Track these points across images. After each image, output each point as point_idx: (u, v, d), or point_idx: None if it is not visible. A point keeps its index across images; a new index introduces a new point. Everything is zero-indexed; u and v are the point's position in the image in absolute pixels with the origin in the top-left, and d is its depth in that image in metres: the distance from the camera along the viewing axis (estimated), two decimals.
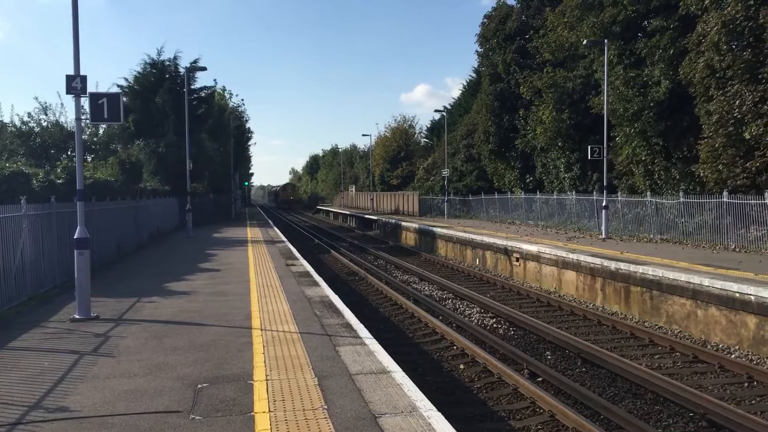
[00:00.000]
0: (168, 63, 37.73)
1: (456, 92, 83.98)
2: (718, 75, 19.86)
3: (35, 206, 12.94)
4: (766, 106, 18.19)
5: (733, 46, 19.23)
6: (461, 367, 10.93)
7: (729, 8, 19.15)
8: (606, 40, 24.05)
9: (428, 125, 74.49)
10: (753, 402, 9.14)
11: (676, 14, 22.63)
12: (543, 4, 36.49)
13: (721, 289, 12.44)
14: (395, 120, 77.78)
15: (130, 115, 34.21)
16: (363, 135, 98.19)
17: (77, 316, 10.51)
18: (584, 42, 25.02)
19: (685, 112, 22.75)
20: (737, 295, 12.02)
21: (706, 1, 20.25)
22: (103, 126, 30.68)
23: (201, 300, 12.34)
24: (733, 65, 19.21)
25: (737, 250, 18.52)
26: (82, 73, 10.47)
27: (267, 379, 7.03)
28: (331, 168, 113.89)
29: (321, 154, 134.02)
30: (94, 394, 6.64)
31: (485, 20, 40.87)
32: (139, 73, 37.14)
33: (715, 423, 8.15)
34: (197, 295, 12.89)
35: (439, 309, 15.83)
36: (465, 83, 61.46)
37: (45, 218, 13.33)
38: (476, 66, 53.18)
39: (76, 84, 10.36)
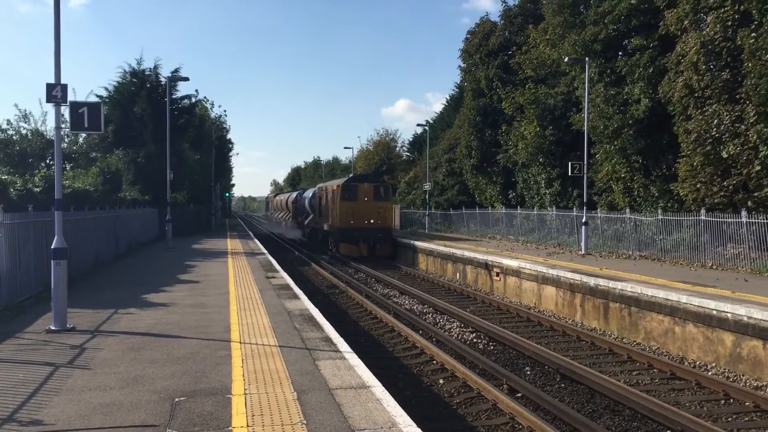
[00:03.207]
0: (149, 72, 37.53)
1: (437, 107, 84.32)
2: (696, 94, 20.15)
3: (12, 215, 12.77)
4: (743, 126, 18.48)
5: (712, 67, 19.54)
6: (441, 381, 10.91)
7: (708, 29, 19.48)
8: (587, 58, 24.34)
9: (410, 139, 74.79)
10: (729, 419, 9.21)
11: (655, 34, 22.97)
12: (526, 21, 36.88)
13: (698, 306, 12.56)
14: (377, 133, 78.07)
15: (110, 125, 33.95)
16: (345, 148, 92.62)
17: (53, 327, 10.36)
18: (566, 59, 25.30)
19: (664, 131, 23.04)
20: (714, 312, 12.13)
21: (686, 22, 20.58)
22: (83, 135, 30.45)
23: (179, 312, 12.22)
24: (711, 85, 19.51)
25: (714, 267, 18.72)
26: (62, 81, 10.38)
27: (245, 393, 6.96)
28: (313, 180, 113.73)
29: (303, 166, 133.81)
30: (69, 407, 6.53)
31: (469, 36, 41.24)
32: (118, 82, 36.91)
33: None
34: (176, 307, 12.76)
35: (419, 323, 15.81)
36: (448, 98, 61.96)
37: (22, 227, 13.15)
38: (459, 81, 53.63)
39: (56, 93, 10.26)
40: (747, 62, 17.93)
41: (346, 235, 33.07)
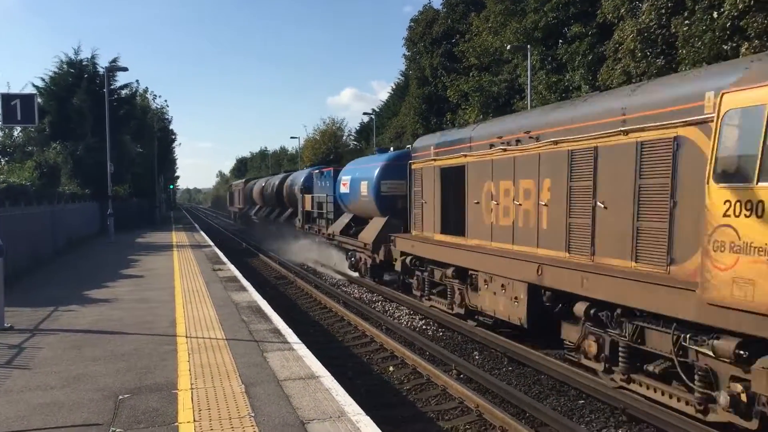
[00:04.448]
0: (86, 63, 36.48)
1: (382, 95, 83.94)
2: (634, 81, 20.66)
3: None
4: None
5: (648, 53, 20.06)
6: (391, 369, 10.96)
7: (643, 17, 19.98)
8: (529, 46, 24.68)
9: (357, 128, 74.69)
10: None
11: (594, 22, 23.45)
12: (468, 8, 37.18)
13: None
14: (324, 122, 77.55)
15: (46, 117, 32.86)
16: (291, 137, 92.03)
17: None
18: (508, 47, 25.61)
19: None
20: None
21: (622, 10, 21.07)
22: (18, 128, 29.43)
23: (123, 307, 11.97)
24: (648, 71, 20.04)
25: None
26: None
27: (192, 388, 6.87)
28: (260, 171, 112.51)
29: (249, 156, 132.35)
30: (7, 409, 6.34)
31: (412, 24, 41.38)
32: (55, 73, 35.72)
33: (634, 417, 8.44)
34: (119, 303, 12.50)
35: (368, 312, 15.84)
36: (393, 86, 62.02)
37: None
38: (404, 69, 53.70)
39: None
40: (681, 49, 18.46)
41: None
